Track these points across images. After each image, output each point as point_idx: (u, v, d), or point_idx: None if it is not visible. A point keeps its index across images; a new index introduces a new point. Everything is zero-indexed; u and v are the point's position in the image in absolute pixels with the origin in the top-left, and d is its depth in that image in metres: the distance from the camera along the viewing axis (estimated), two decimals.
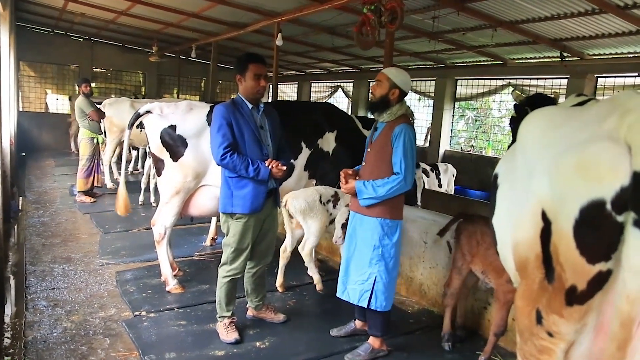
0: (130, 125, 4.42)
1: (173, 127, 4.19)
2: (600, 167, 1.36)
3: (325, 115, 5.10)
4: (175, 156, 4.20)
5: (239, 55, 3.47)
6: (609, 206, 1.33)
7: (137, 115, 4.34)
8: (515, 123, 3.32)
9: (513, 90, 3.80)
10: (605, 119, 1.41)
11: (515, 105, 3.56)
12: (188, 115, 4.25)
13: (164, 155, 4.25)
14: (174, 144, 4.19)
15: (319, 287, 4.46)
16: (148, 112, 4.28)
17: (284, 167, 3.31)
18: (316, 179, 4.93)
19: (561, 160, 1.47)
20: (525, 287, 1.66)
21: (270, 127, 3.47)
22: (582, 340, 1.51)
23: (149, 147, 4.52)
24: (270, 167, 3.26)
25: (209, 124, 4.18)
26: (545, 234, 1.52)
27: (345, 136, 5.00)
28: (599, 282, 1.41)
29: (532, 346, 1.64)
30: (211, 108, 4.28)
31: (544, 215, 1.51)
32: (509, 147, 2.99)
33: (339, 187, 3.62)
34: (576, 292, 1.45)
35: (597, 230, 1.37)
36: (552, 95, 3.80)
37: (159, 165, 4.33)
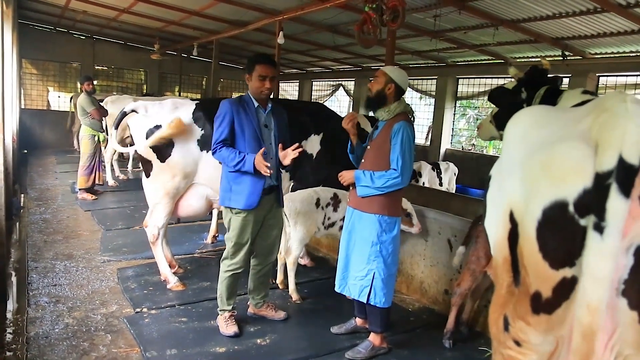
0: (116, 126, 4.28)
1: (159, 127, 4.05)
2: (565, 166, 1.30)
3: (312, 117, 4.87)
4: (163, 157, 4.09)
5: (250, 56, 3.53)
6: (571, 208, 1.27)
7: (123, 114, 4.24)
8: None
9: (510, 66, 3.75)
10: (583, 119, 1.36)
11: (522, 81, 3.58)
12: (174, 114, 4.09)
13: (151, 156, 4.13)
14: (161, 144, 4.06)
15: (294, 297, 4.19)
16: (133, 111, 4.18)
17: (267, 164, 3.17)
18: (295, 181, 4.74)
19: (530, 159, 1.41)
20: (495, 292, 1.59)
21: (276, 127, 3.50)
22: (560, 354, 1.42)
23: (135, 149, 4.28)
24: (254, 160, 3.18)
25: (195, 121, 4.13)
26: (513, 236, 1.46)
27: (331, 140, 4.77)
28: (564, 289, 1.34)
29: (499, 357, 1.54)
30: (197, 105, 4.22)
31: (512, 216, 1.45)
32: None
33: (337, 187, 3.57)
34: (541, 299, 1.38)
35: (559, 233, 1.30)
36: (545, 67, 3.78)
37: (147, 167, 4.21)
